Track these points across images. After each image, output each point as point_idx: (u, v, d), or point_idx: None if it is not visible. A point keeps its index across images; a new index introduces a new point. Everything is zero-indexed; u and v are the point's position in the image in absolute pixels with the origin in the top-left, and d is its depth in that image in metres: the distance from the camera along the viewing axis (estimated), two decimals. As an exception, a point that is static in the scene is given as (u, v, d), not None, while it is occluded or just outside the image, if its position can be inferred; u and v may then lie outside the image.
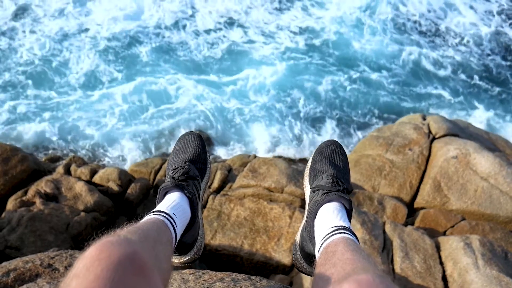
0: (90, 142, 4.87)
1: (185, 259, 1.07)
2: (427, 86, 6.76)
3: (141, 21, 6.48)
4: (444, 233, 3.33)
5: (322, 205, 1.01)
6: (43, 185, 3.21)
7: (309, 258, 1.02)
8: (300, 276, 2.75)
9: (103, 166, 4.28)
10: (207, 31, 6.63)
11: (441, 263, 2.79)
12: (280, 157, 4.97)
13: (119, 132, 5.05)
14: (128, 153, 4.85)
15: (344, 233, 0.90)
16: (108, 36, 6.11)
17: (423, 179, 3.94)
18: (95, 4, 6.65)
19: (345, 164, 1.15)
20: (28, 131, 4.85)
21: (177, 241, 0.94)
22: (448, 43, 7.69)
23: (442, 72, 7.06)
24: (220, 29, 6.71)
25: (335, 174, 1.09)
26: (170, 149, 4.95)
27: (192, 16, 6.82)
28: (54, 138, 4.84)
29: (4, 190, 3.26)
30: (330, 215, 0.97)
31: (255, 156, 4.14)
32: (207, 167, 1.19)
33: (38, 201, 2.98)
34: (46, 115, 5.05)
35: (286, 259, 2.92)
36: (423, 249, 2.86)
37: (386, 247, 2.89)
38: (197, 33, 6.55)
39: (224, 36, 6.59)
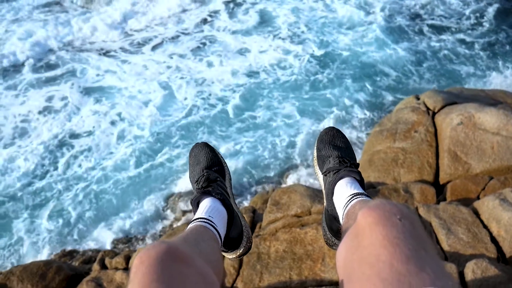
0: (114, 232, 4.92)
1: (240, 251, 1.16)
2: (410, 67, 6.88)
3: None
4: (478, 198, 3.31)
5: (336, 183, 1.10)
6: (84, 287, 3.23)
7: (338, 233, 1.08)
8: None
9: (134, 250, 4.31)
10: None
11: (485, 226, 2.77)
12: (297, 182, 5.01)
13: (140, 213, 5.11)
14: (153, 230, 4.89)
15: (359, 197, 0.99)
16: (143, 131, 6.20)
17: (438, 155, 3.95)
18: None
19: (347, 144, 1.24)
20: (53, 239, 4.92)
21: (222, 238, 1.00)
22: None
23: (424, 50, 7.22)
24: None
25: (340, 155, 1.19)
26: (190, 213, 4.98)
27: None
28: (78, 241, 4.89)
29: (50, 304, 3.29)
30: (344, 189, 1.06)
31: (273, 190, 4.17)
32: (224, 167, 1.28)
33: (85, 303, 3.00)
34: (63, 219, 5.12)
35: (337, 276, 2.91)
36: (463, 219, 2.84)
37: (427, 231, 2.87)
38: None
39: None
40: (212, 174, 1.19)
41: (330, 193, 1.10)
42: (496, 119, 3.86)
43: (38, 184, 5.50)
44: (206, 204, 1.08)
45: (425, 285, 0.56)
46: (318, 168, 1.24)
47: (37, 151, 5.90)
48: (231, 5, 8.96)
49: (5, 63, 7.48)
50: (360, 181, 1.09)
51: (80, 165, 5.73)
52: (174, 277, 0.68)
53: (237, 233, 1.13)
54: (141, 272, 0.67)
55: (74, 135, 6.15)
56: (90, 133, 6.17)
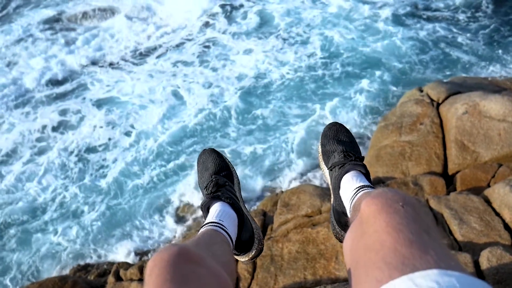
0: (128, 243, 4.95)
1: (252, 254, 1.17)
2: (414, 58, 6.87)
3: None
4: (488, 186, 3.29)
5: (342, 177, 1.11)
6: (101, 299, 3.25)
7: (347, 226, 1.09)
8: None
9: (148, 260, 4.32)
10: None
11: (497, 214, 2.75)
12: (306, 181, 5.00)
13: (153, 223, 5.13)
14: (167, 239, 4.91)
15: (365, 189, 1.01)
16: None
17: (445, 146, 3.94)
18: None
19: (351, 138, 1.24)
20: (66, 251, 4.95)
21: (234, 241, 1.02)
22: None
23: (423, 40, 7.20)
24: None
25: (345, 149, 1.20)
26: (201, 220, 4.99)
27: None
28: (93, 254, 4.92)
29: (68, 319, 3.31)
30: (350, 182, 1.08)
31: (282, 192, 4.17)
32: (231, 171, 1.30)
33: (102, 315, 3.02)
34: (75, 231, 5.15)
35: (351, 273, 2.90)
36: (475, 208, 2.83)
37: (439, 222, 2.86)
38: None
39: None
40: (220, 179, 1.20)
41: (337, 187, 1.11)
42: (501, 106, 3.84)
43: (55, 199, 5.56)
44: (216, 208, 1.10)
45: (429, 267, 0.57)
46: (323, 163, 1.25)
47: (54, 167, 5.97)
48: (230, 8, 9.01)
49: (18, 84, 7.55)
50: (366, 174, 1.11)
51: (95, 179, 5.77)
52: (187, 277, 0.70)
53: (248, 236, 1.14)
54: (155, 274, 0.69)
55: (90, 149, 6.21)
56: (105, 146, 6.22)
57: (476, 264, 2.29)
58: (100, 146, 6.21)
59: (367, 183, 1.06)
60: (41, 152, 6.23)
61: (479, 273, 2.22)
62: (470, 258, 2.29)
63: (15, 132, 6.56)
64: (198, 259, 0.74)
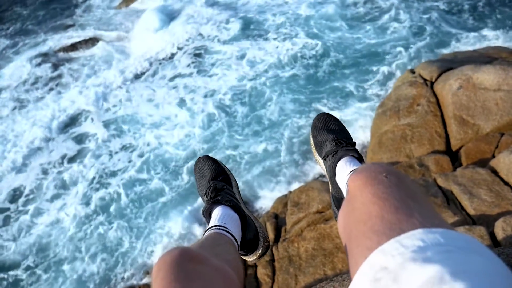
0: (147, 264, 4.96)
1: (259, 252, 1.19)
2: (404, 42, 6.90)
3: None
4: (493, 156, 3.29)
5: (336, 164, 1.13)
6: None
7: None
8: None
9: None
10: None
11: (506, 183, 2.76)
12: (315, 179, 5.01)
13: (172, 239, 5.15)
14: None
15: None
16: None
17: (445, 123, 3.94)
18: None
19: (341, 126, 1.26)
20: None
21: (238, 242, 1.03)
22: None
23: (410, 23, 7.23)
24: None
25: (336, 137, 1.23)
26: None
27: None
28: (115, 279, 4.93)
29: None
30: (344, 168, 1.11)
31: (290, 192, 4.18)
32: (228, 175, 1.32)
33: None
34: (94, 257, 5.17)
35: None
36: (483, 181, 2.83)
37: (449, 199, 2.86)
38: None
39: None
40: (218, 183, 1.23)
41: (333, 175, 1.13)
42: (495, 75, 3.85)
43: (81, 229, 5.61)
44: (217, 212, 1.12)
45: (415, 228, 0.59)
46: (317, 154, 1.27)
47: (78, 197, 6.03)
48: (213, 17, 9.10)
49: (30, 124, 7.59)
50: (359, 158, 1.13)
51: (116, 203, 5.81)
52: (191, 276, 0.71)
53: (253, 235, 1.16)
54: (160, 277, 0.71)
55: (111, 173, 6.27)
56: (124, 170, 6.27)
57: (492, 235, 2.29)
58: (119, 171, 6.28)
59: (359, 166, 1.07)
60: (63, 184, 6.30)
61: (496, 244, 2.22)
62: (485, 231, 2.29)
63: (35, 169, 6.63)
64: (201, 258, 0.76)
